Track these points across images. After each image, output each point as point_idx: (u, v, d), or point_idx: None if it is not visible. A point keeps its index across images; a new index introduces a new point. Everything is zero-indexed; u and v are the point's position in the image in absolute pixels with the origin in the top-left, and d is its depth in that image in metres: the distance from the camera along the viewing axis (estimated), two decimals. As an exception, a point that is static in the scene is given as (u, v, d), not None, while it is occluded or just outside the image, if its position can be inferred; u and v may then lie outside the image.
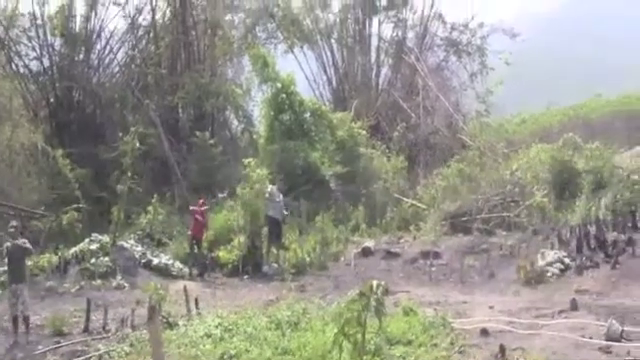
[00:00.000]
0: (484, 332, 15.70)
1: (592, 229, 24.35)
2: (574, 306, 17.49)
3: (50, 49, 43.69)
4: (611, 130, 37.63)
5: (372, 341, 13.29)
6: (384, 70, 51.44)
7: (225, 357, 14.84)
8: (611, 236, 23.32)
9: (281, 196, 28.15)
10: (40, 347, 17.21)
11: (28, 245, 18.96)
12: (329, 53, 50.56)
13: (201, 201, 29.02)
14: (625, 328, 14.58)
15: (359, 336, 9.76)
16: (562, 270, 22.00)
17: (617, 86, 49.31)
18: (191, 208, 28.76)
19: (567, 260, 22.39)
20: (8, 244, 18.57)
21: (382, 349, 14.19)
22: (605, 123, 40.58)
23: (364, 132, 39.06)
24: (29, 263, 20.74)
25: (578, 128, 36.84)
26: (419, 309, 17.81)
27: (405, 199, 34.19)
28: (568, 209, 27.90)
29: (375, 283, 9.88)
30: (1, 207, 33.97)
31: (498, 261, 24.74)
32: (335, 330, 10.97)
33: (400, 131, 42.06)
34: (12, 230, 18.98)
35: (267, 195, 27.49)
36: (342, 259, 27.85)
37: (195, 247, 27.80)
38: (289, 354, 14.56)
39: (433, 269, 25.21)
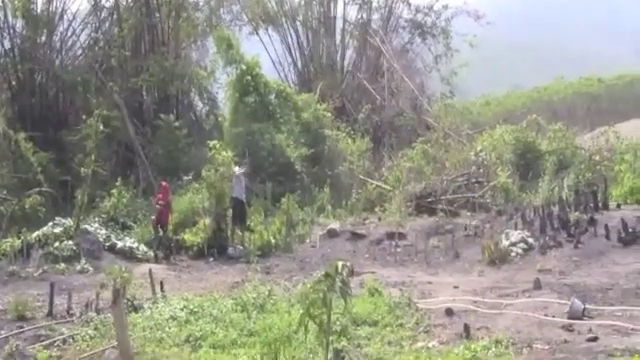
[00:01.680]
0: (449, 312, 15.80)
1: (555, 209, 24.65)
2: (537, 285, 17.65)
3: (11, 31, 43.06)
4: (573, 112, 38.09)
5: (338, 322, 13.35)
6: (349, 52, 51.50)
7: (191, 339, 14.83)
8: (574, 216, 23.55)
9: (244, 178, 28.07)
10: (3, 332, 17.05)
11: None
12: (294, 35, 50.50)
13: (164, 183, 28.90)
14: (587, 306, 14.75)
15: (325, 317, 9.79)
16: (526, 250, 22.21)
17: (578, 70, 49.90)
18: (153, 198, 28.65)
19: (531, 240, 22.60)
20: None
21: (348, 330, 14.27)
22: (567, 105, 41.11)
23: (329, 114, 39.11)
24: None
25: (541, 110, 37.28)
26: (384, 290, 17.87)
27: (370, 180, 34.33)
28: (532, 190, 28.24)
29: (340, 264, 9.89)
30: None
31: (463, 242, 24.94)
32: (301, 311, 10.99)
33: (365, 113, 42.18)
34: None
35: (234, 176, 27.41)
36: (308, 241, 27.91)
37: (160, 230, 27.69)
38: (255, 336, 14.57)
39: (398, 250, 25.35)
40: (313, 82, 46.21)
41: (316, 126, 37.59)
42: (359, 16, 51.10)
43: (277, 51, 50.41)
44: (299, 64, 50.57)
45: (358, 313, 15.29)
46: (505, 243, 22.58)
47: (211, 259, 26.34)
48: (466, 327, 14.06)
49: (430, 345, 13.75)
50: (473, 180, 30.85)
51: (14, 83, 42.80)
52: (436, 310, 16.20)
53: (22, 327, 17.19)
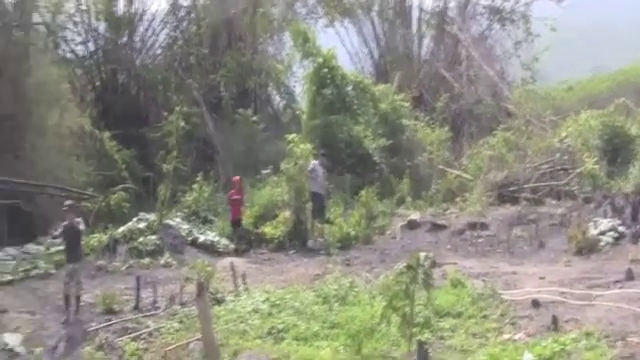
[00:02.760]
0: (535, 303, 15.49)
1: (647, 196, 23.87)
2: (630, 276, 17.03)
3: (95, 33, 44.08)
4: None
5: (420, 314, 13.24)
6: (426, 41, 50.95)
7: (273, 332, 14.91)
8: (668, 203, 22.81)
9: (323, 171, 27.99)
10: (92, 325, 17.43)
11: (82, 226, 19.20)
12: (370, 26, 50.18)
13: (236, 178, 29.07)
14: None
15: (407, 309, 9.70)
16: (616, 239, 21.52)
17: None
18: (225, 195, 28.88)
19: (621, 228, 21.89)
20: (65, 223, 18.80)
21: (431, 321, 14.12)
22: (656, 87, 39.76)
23: (407, 104, 38.78)
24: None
25: (628, 93, 36.12)
26: (467, 281, 17.64)
27: (450, 170, 33.90)
28: (621, 176, 27.39)
29: (422, 255, 9.78)
30: (52, 189, 34.44)
31: (548, 231, 24.42)
32: (383, 303, 10.91)
33: (443, 102, 41.74)
34: (66, 209, 19.17)
35: (309, 168, 27.37)
36: (388, 232, 27.69)
37: (237, 225, 27.93)
38: (337, 328, 14.55)
39: (480, 240, 25.01)
40: (390, 72, 45.87)
41: (394, 117, 37.30)
42: (436, 4, 50.53)
43: (353, 43, 50.27)
44: (376, 55, 50.29)
45: (441, 305, 15.12)
46: (593, 232, 21.95)
47: (291, 252, 26.36)
48: (554, 319, 13.76)
49: (516, 337, 13.52)
50: (558, 167, 30.18)
51: (98, 84, 43.87)
52: (521, 301, 15.91)
53: (110, 320, 17.60)
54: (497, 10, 49.65)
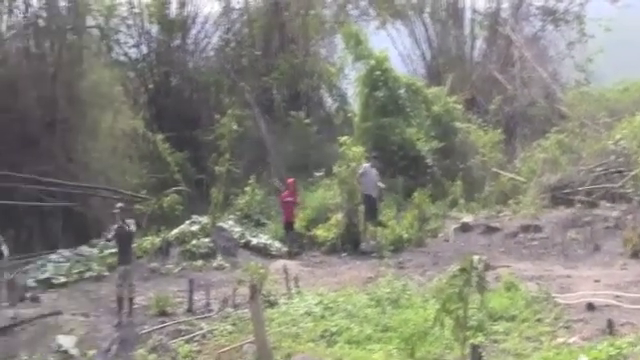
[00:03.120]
0: (590, 307, 15.33)
1: None
2: (686, 279, 16.81)
3: (147, 36, 44.61)
4: None
5: (474, 317, 13.17)
6: (479, 43, 50.52)
7: (326, 335, 14.93)
8: None
9: (375, 173, 27.92)
10: (146, 327, 17.62)
11: (134, 227, 19.44)
12: (422, 28, 49.86)
13: (290, 180, 29.17)
14: None
15: (461, 312, 9.64)
16: (675, 242, 21.20)
17: None
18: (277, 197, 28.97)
19: (680, 232, 21.55)
20: (116, 226, 19.03)
21: (484, 325, 14.05)
22: None
23: (460, 106, 38.54)
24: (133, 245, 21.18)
25: (688, 94, 35.48)
26: (521, 284, 17.51)
27: (503, 173, 33.62)
28: (680, 178, 26.89)
29: (476, 258, 9.73)
30: (105, 191, 34.89)
31: (602, 234, 24.06)
32: (436, 306, 10.86)
33: (496, 104, 41.39)
34: (117, 212, 19.40)
35: (360, 171, 27.34)
36: (440, 235, 27.54)
37: (290, 228, 28.02)
38: (390, 331, 14.55)
39: (534, 243, 24.75)
40: (442, 74, 45.59)
41: (447, 119, 37.09)
42: (488, 6, 50.08)
43: (405, 45, 49.98)
44: (428, 57, 50.01)
45: (494, 308, 15.04)
46: (650, 235, 21.64)
47: (344, 254, 26.36)
48: (609, 323, 13.59)
49: (571, 341, 13.39)
50: (612, 170, 29.73)
51: (151, 86, 44.37)
52: (576, 305, 15.75)
53: (164, 322, 17.78)
54: (551, 11, 49.04)
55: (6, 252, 20.54)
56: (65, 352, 16.63)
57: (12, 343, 17.71)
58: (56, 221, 32.21)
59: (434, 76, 46.80)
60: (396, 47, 48.62)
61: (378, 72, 35.26)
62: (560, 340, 13.56)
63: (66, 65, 36.09)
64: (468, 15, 50.09)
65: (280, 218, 29.40)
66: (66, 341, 17.15)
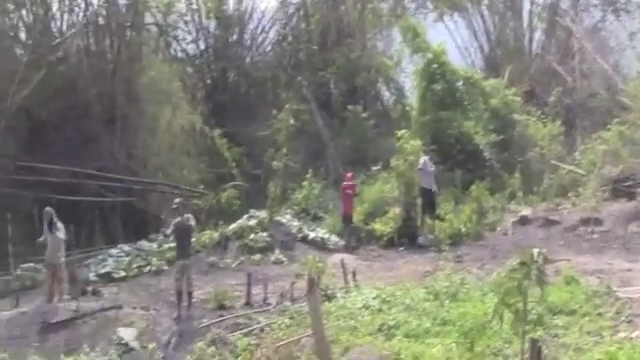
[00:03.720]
0: (652, 301, 15.07)
1: None
2: None
3: (205, 32, 45.02)
4: None
5: (534, 311, 13.04)
6: (537, 34, 49.95)
7: (384, 328, 14.91)
8: None
9: (433, 167, 27.80)
10: (205, 320, 17.81)
11: (192, 222, 19.62)
12: (480, 20, 49.50)
13: (349, 174, 29.15)
14: None
15: (520, 306, 9.55)
16: None
17: None
18: (343, 184, 28.95)
19: None
20: (176, 221, 19.23)
21: (544, 319, 13.90)
22: None
23: (518, 99, 38.10)
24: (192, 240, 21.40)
25: None
26: (581, 277, 17.27)
27: (563, 165, 33.18)
28: None
29: (536, 251, 9.63)
30: (164, 186, 35.33)
31: (665, 227, 23.69)
32: (495, 300, 10.78)
33: (556, 96, 40.83)
34: (176, 207, 19.60)
35: (419, 166, 27.23)
36: (499, 228, 27.27)
37: (349, 221, 28.02)
38: (449, 325, 14.46)
39: (594, 236, 24.39)
40: (501, 67, 45.19)
41: (505, 111, 36.73)
42: (547, -3, 49.57)
43: (463, 37, 49.68)
44: (486, 49, 49.62)
45: (554, 302, 14.84)
46: None
47: (401, 248, 26.31)
48: (673, 318, 13.36)
49: (633, 336, 13.16)
50: (675, 162, 29.21)
51: (208, 82, 44.85)
52: (638, 299, 15.47)
53: (222, 315, 17.97)
54: (611, 1, 48.24)
55: (62, 236, 20.89)
56: (125, 345, 16.90)
57: (74, 335, 18.06)
58: (116, 216, 32.73)
59: (492, 68, 46.41)
60: (454, 39, 48.32)
61: (436, 65, 35.03)
62: (622, 335, 13.34)
63: (125, 62, 36.66)
64: (527, 7, 49.54)
65: (338, 212, 29.42)
66: (127, 334, 17.43)
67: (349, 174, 29.30)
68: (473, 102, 35.57)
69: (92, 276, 24.28)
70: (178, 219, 19.20)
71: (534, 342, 10.92)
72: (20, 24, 37.71)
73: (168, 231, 20.15)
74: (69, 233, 23.17)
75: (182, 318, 18.31)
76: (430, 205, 27.21)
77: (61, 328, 18.45)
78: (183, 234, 19.21)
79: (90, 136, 34.53)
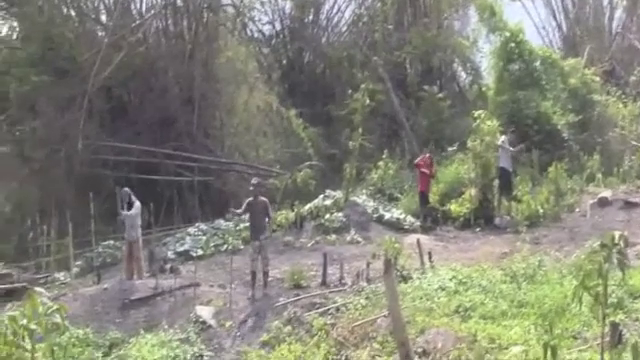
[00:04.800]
0: None
1: None
2: None
3: (281, 13, 45.28)
4: None
5: (614, 294, 12.85)
6: (618, 12, 48.91)
7: (460, 310, 14.85)
8: None
9: (511, 147, 27.46)
10: (281, 299, 17.97)
11: (267, 203, 19.70)
12: (558, -2, 48.74)
13: (427, 155, 28.97)
14: None
15: (600, 289, 9.41)
16: None
17: None
18: (415, 161, 28.82)
19: None
20: (249, 200, 19.38)
21: (625, 302, 13.69)
22: None
23: (598, 78, 37.41)
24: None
25: None
26: (663, 261, 16.91)
27: (644, 146, 32.55)
28: None
29: (617, 234, 9.46)
30: (241, 167, 35.68)
31: None
32: (574, 283, 10.65)
33: (637, 75, 39.99)
34: (254, 187, 19.74)
35: (499, 142, 26.90)
36: (577, 210, 26.82)
37: (425, 202, 27.91)
38: (526, 307, 14.33)
39: (678, 219, 23.88)
40: (580, 46, 44.39)
41: (584, 91, 36.10)
42: (629, -26, 48.42)
43: (541, 15, 49.04)
44: (564, 28, 48.76)
45: (635, 285, 14.57)
46: None
47: (477, 229, 26.08)
48: None
49: None
50: None
51: (284, 62, 45.07)
52: None
53: (298, 295, 18.05)
54: (696, -23, 46.99)
55: (134, 211, 21.30)
56: (203, 322, 17.19)
57: (154, 312, 18.47)
58: (194, 195, 33.20)
59: (571, 48, 45.59)
60: (531, 18, 47.74)
61: (513, 44, 34.60)
62: None
63: (203, 43, 37.06)
64: (607, -16, 48.51)
65: (413, 192, 29.33)
66: (204, 312, 17.73)
67: (427, 155, 29.09)
68: (551, 82, 35.04)
69: (170, 254, 24.76)
70: (251, 198, 19.32)
71: (614, 326, 10.76)
72: (101, 6, 38.48)
73: (240, 210, 20.25)
74: (148, 212, 23.67)
75: (256, 298, 18.49)
76: (507, 186, 26.91)
77: (141, 305, 18.89)
78: (257, 214, 19.30)
79: (168, 116, 35.07)
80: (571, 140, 32.77)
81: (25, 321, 6.90)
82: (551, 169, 28.17)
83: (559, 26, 48.91)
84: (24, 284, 21.30)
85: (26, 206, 32.64)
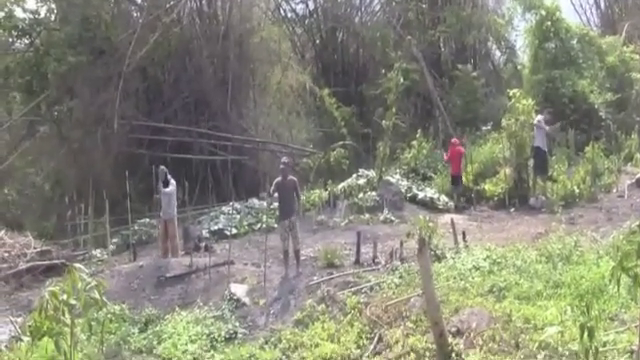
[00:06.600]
0: None
1: None
2: None
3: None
4: None
5: (652, 275, 12.71)
6: (659, -12, 48.24)
7: (494, 290, 14.79)
8: None
9: (546, 126, 27.18)
10: (315, 278, 18.01)
11: (295, 181, 19.59)
12: (596, -25, 48.16)
13: (454, 140, 28.76)
14: None
15: (639, 270, 9.31)
16: None
17: None
18: (452, 140, 28.70)
19: None
20: (277, 180, 19.34)
21: (663, 284, 13.54)
22: None
23: (637, 56, 36.90)
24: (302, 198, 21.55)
25: None
26: None
27: (684, 126, 32.11)
28: None
29: (656, 214, 9.36)
30: (274, 146, 35.74)
31: None
32: (611, 263, 10.55)
33: (679, 53, 39.45)
34: (283, 166, 19.71)
35: (535, 121, 26.64)
36: (614, 190, 26.55)
37: (458, 182, 27.82)
38: (562, 287, 14.22)
39: None
40: (618, 23, 43.81)
41: (622, 70, 35.65)
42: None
43: (578, -7, 48.41)
44: (602, 5, 48.26)
45: (674, 267, 14.41)
46: None
47: (512, 209, 25.90)
48: None
49: None
50: None
51: (318, 42, 44.99)
52: None
53: (332, 274, 18.10)
54: None
55: (170, 188, 21.46)
56: (237, 300, 17.28)
57: (189, 290, 18.61)
58: (228, 174, 33.34)
59: (609, 25, 45.06)
60: (568, -4, 47.05)
61: (549, 22, 34.23)
62: None
63: (236, 23, 37.01)
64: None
65: (447, 172, 29.21)
66: (238, 290, 17.83)
67: (454, 139, 28.91)
68: (588, 60, 34.65)
69: (205, 233, 24.90)
70: (280, 178, 19.27)
71: (652, 307, 10.69)
72: (137, -13, 38.60)
73: (270, 190, 20.20)
74: (183, 191, 23.81)
75: (289, 276, 18.52)
76: (542, 166, 26.68)
77: (176, 282, 19.04)
78: (286, 193, 19.22)
79: (203, 96, 35.18)
80: (609, 119, 32.40)
81: (65, 296, 7.03)
82: (588, 149, 27.89)
83: (597, 3, 48.41)
84: (63, 261, 21.60)
85: (64, 185, 33.04)
